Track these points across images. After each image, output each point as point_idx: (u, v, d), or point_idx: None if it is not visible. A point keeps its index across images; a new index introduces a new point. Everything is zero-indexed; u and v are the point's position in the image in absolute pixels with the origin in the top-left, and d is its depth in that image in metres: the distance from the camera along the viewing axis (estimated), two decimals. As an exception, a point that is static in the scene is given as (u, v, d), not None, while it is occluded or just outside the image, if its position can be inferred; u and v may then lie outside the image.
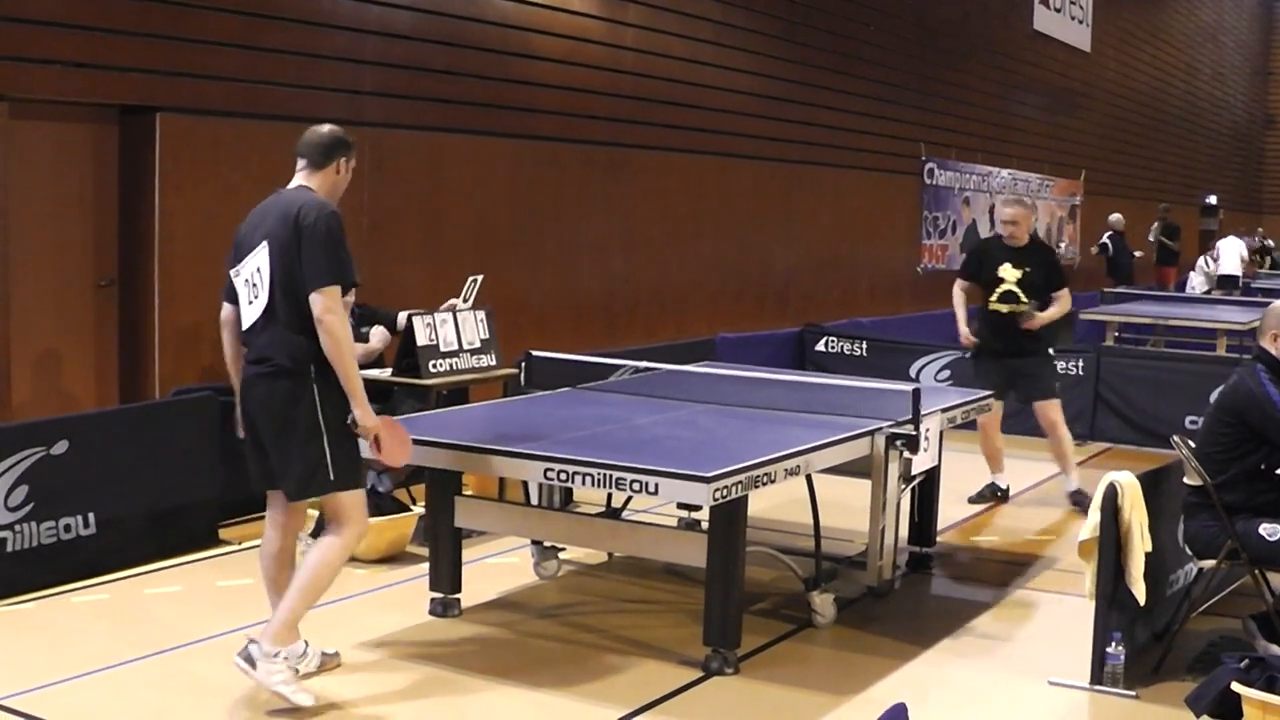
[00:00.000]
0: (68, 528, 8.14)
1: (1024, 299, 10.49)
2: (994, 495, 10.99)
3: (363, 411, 6.24)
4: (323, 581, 6.38)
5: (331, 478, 6.25)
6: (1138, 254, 24.63)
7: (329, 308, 6.11)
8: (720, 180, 16.29)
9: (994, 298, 10.61)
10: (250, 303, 6.37)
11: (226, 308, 6.62)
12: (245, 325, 6.43)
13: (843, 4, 18.81)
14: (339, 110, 11.33)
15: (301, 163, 6.60)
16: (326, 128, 6.74)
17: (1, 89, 9.16)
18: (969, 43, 22.59)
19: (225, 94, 10.50)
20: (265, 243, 6.30)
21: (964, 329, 11.02)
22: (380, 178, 11.73)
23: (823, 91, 18.26)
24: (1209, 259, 26.61)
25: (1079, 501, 10.58)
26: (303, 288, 6.17)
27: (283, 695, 6.17)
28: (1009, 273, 10.56)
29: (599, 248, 14.42)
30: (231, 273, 6.52)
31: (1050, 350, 10.93)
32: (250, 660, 6.21)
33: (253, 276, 6.36)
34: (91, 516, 8.27)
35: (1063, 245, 27.14)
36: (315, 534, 8.44)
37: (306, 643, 6.53)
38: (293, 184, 6.57)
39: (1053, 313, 10.60)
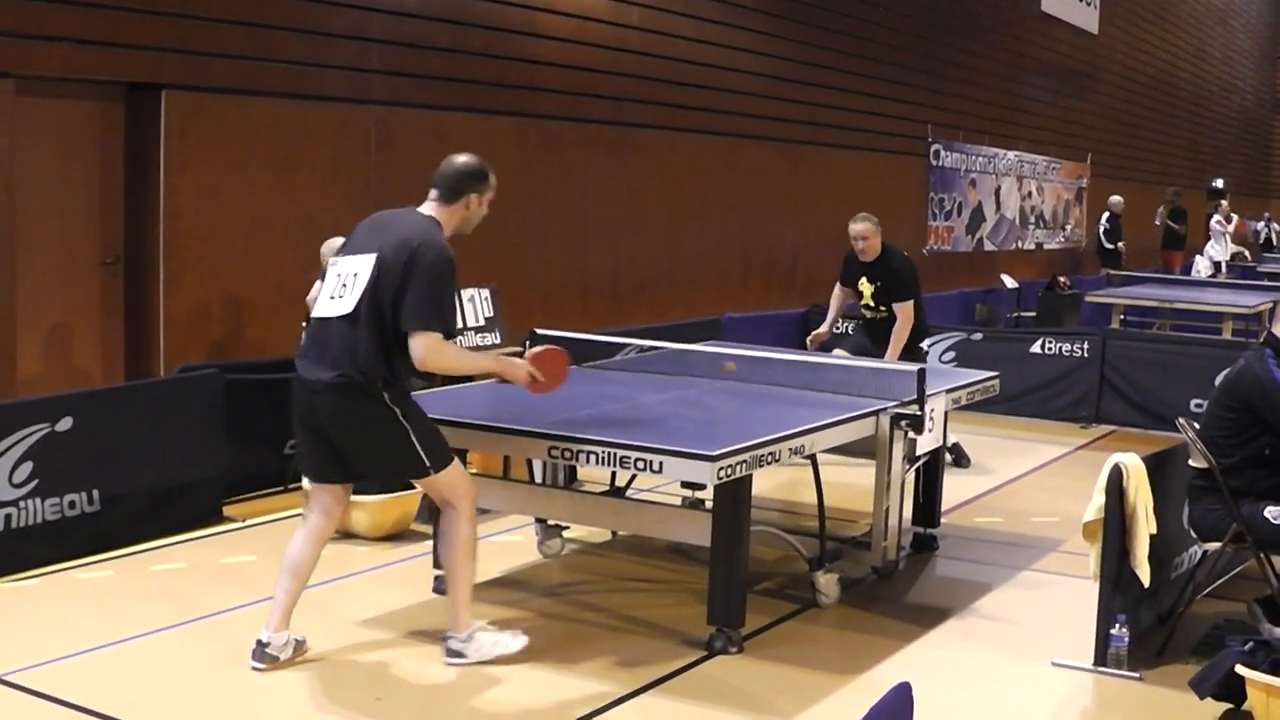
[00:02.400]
0: (72, 504, 8.14)
1: (879, 311, 10.91)
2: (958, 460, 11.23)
3: (505, 370, 6.65)
4: (469, 561, 6.55)
5: (428, 464, 6.36)
6: (1120, 245, 24.55)
7: (431, 348, 6.16)
8: (726, 160, 16.27)
9: (862, 305, 11.12)
10: (333, 298, 6.35)
11: (316, 286, 6.88)
12: (318, 314, 6.43)
13: (850, -16, 18.79)
14: (345, 89, 11.34)
15: (433, 193, 6.55)
16: (461, 159, 6.63)
17: (7, 66, 9.15)
18: (977, 24, 22.55)
19: (231, 72, 10.50)
20: (376, 255, 6.27)
21: (820, 329, 11.43)
22: (386, 156, 11.73)
23: (829, 72, 18.23)
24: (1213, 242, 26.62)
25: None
26: (396, 319, 6.18)
27: (504, 654, 6.58)
28: (865, 287, 10.99)
29: (605, 227, 14.41)
30: (331, 259, 6.56)
31: (921, 346, 11.19)
32: (457, 654, 6.55)
33: (347, 277, 6.33)
34: (96, 493, 8.26)
35: (1069, 228, 27.12)
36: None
37: (294, 637, 6.58)
38: (425, 208, 6.53)
39: (892, 347, 10.69)
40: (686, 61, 15.46)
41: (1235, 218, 27.72)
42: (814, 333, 11.42)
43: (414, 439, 6.31)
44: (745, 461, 6.41)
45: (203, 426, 8.92)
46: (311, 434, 6.46)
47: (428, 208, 6.51)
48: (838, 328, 14.41)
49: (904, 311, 10.79)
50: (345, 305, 6.27)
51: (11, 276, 9.34)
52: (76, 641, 6.69)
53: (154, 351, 10.17)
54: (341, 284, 6.34)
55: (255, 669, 6.42)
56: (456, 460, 6.54)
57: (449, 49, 12.41)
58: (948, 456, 10.49)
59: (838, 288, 11.44)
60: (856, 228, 10.91)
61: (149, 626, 6.94)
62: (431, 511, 7.82)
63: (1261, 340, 7.19)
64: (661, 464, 6.34)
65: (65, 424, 8.08)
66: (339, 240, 9.57)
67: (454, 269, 6.29)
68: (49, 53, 9.40)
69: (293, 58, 10.98)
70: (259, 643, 6.46)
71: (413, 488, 8.81)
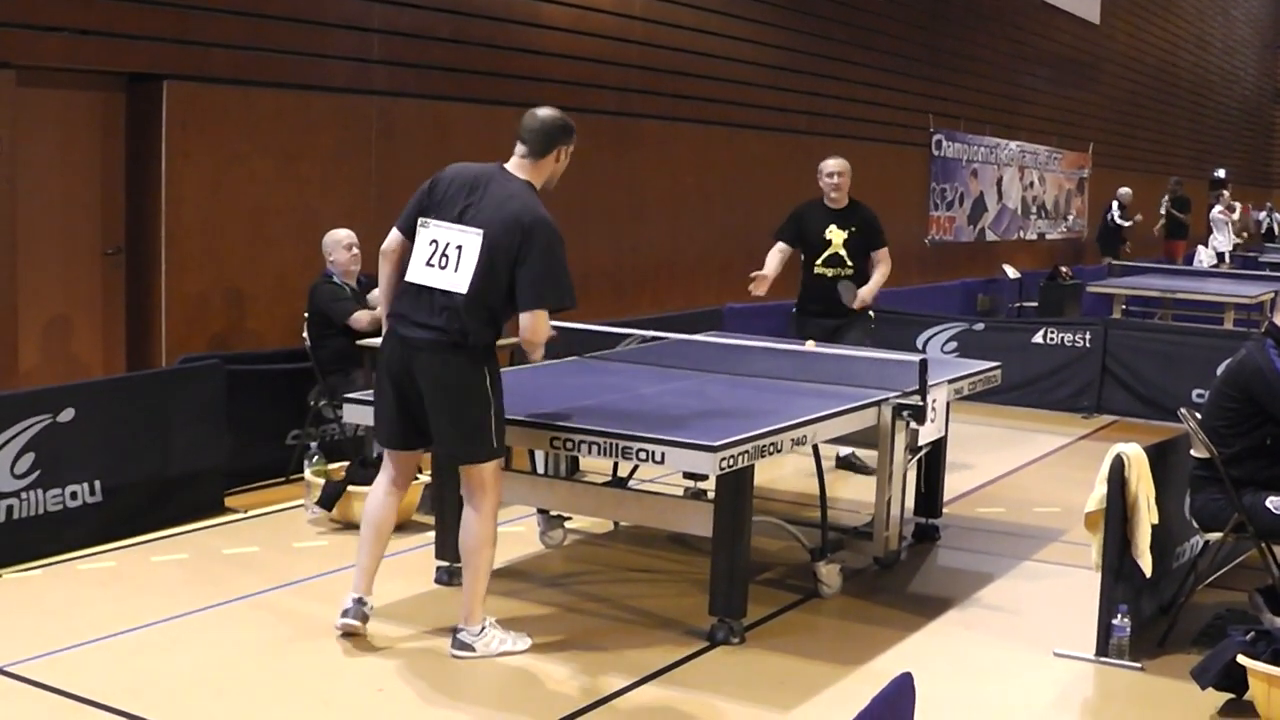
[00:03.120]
0: (74, 495, 8.14)
1: (849, 262, 10.25)
2: (850, 465, 10.58)
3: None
4: (489, 553, 6.61)
5: (494, 445, 6.49)
6: (1138, 217, 24.58)
7: (537, 330, 6.38)
8: (728, 150, 16.26)
9: (819, 262, 10.34)
10: (433, 266, 6.41)
11: (394, 236, 6.67)
12: (420, 281, 6.45)
13: (852, -26, 18.77)
14: (346, 79, 11.33)
15: (521, 149, 6.66)
16: (546, 111, 6.77)
17: (9, 57, 9.14)
18: (978, 14, 22.52)
19: (232, 62, 10.49)
20: (482, 233, 6.35)
21: (762, 287, 10.27)
22: (387, 146, 11.72)
23: (831, 62, 18.22)
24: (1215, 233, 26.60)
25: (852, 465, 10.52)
26: (511, 299, 6.35)
27: (510, 652, 6.60)
28: (835, 235, 10.30)
29: (607, 217, 14.40)
30: (420, 220, 6.53)
31: (870, 311, 10.53)
32: (466, 647, 6.59)
33: (449, 248, 6.40)
34: (98, 484, 8.27)
35: (1070, 218, 27.11)
36: (320, 503, 8.51)
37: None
38: (513, 166, 6.65)
39: (875, 282, 10.30)
40: (689, 52, 15.44)
41: (1239, 205, 27.68)
42: (759, 275, 10.27)
43: (491, 415, 6.43)
44: (747, 452, 6.41)
45: (204, 417, 8.92)
46: (399, 398, 6.53)
47: (517, 166, 6.64)
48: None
49: (885, 258, 10.34)
50: (456, 282, 6.34)
51: (13, 267, 9.34)
52: (79, 633, 6.69)
53: (155, 342, 10.17)
54: (442, 254, 6.40)
55: (344, 624, 6.64)
56: (501, 460, 6.66)
57: (450, 39, 12.40)
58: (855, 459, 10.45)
59: (779, 247, 10.55)
60: (835, 163, 10.37)
61: (151, 618, 6.94)
62: (434, 503, 7.83)
63: (1263, 330, 7.18)
64: (663, 455, 6.35)
65: (67, 415, 8.08)
66: (342, 231, 9.65)
67: (562, 241, 6.45)
68: (50, 43, 9.39)
69: (294, 48, 10.97)
70: (355, 600, 6.68)
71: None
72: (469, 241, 6.35)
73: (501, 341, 9.56)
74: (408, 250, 6.56)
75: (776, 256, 10.52)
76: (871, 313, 10.60)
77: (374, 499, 6.81)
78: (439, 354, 6.35)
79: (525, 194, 6.49)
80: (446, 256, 6.38)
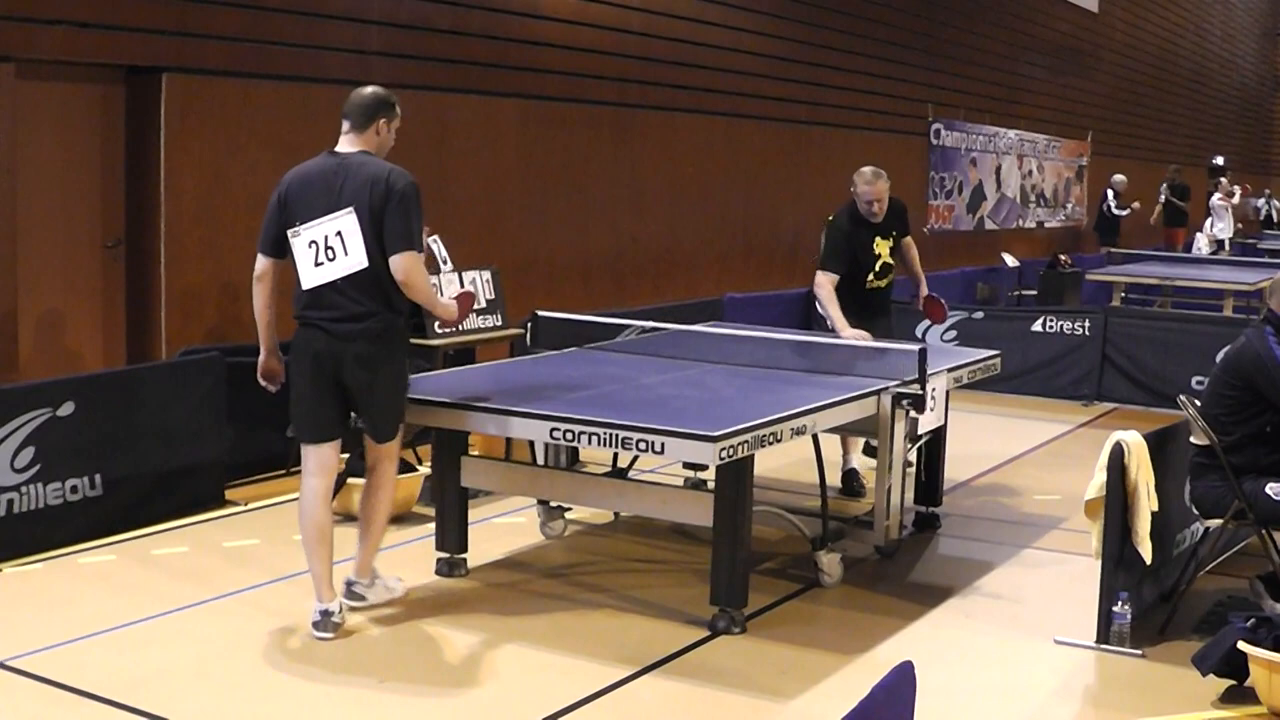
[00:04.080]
0: (74, 489, 8.14)
1: (892, 263, 9.73)
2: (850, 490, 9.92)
3: (447, 309, 7.08)
4: (387, 515, 7.13)
5: (405, 421, 6.91)
6: (1135, 205, 24.60)
7: (412, 267, 6.56)
8: (728, 140, 16.26)
9: (872, 276, 9.58)
10: (324, 263, 6.60)
11: (262, 261, 6.82)
12: (318, 282, 6.63)
13: (850, -36, 18.76)
14: (344, 70, 11.31)
15: (346, 125, 6.86)
16: (369, 89, 6.99)
17: (8, 50, 9.14)
18: (977, 3, 22.52)
19: (231, 54, 10.48)
20: (353, 209, 6.56)
21: (848, 329, 9.21)
22: (386, 138, 11.70)
23: (830, 52, 18.21)
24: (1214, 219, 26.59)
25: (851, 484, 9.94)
26: (396, 249, 6.55)
27: (394, 597, 7.15)
28: (881, 246, 9.63)
29: (606, 208, 14.40)
30: (290, 232, 6.67)
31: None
32: (359, 597, 7.05)
33: (330, 239, 6.58)
34: (98, 477, 8.27)
35: (1069, 206, 27.11)
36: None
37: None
38: (342, 146, 6.82)
39: (921, 270, 10.06)
40: (688, 42, 15.44)
41: (1238, 189, 27.62)
42: (855, 332, 9.12)
43: (404, 389, 6.87)
44: (747, 442, 6.41)
45: (204, 410, 8.92)
46: (325, 389, 6.72)
47: (348, 143, 6.83)
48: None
49: (913, 243, 9.97)
50: (353, 262, 6.56)
51: (13, 260, 9.34)
52: (79, 626, 6.70)
53: (155, 334, 10.17)
54: (326, 248, 6.60)
55: (321, 639, 6.65)
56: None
57: (449, 30, 12.39)
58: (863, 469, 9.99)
59: (832, 282, 9.38)
60: (880, 187, 9.46)
61: (152, 610, 6.95)
62: (434, 494, 7.84)
63: (1261, 317, 7.18)
64: (663, 445, 6.34)
65: (67, 409, 8.08)
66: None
67: (419, 195, 6.72)
68: (49, 36, 9.38)
69: (292, 40, 10.96)
70: (323, 613, 6.71)
71: (411, 467, 8.84)
72: (345, 222, 6.57)
73: (500, 333, 9.60)
74: (278, 271, 6.80)
75: (832, 291, 9.45)
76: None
77: (309, 503, 6.84)
78: (365, 339, 6.60)
79: (371, 159, 6.76)
80: (331, 248, 6.59)
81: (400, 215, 6.56)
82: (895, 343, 8.83)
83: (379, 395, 6.71)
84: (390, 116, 6.93)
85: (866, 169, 9.59)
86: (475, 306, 8.84)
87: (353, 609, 6.96)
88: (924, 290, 10.10)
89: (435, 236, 9.34)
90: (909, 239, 9.97)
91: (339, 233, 6.55)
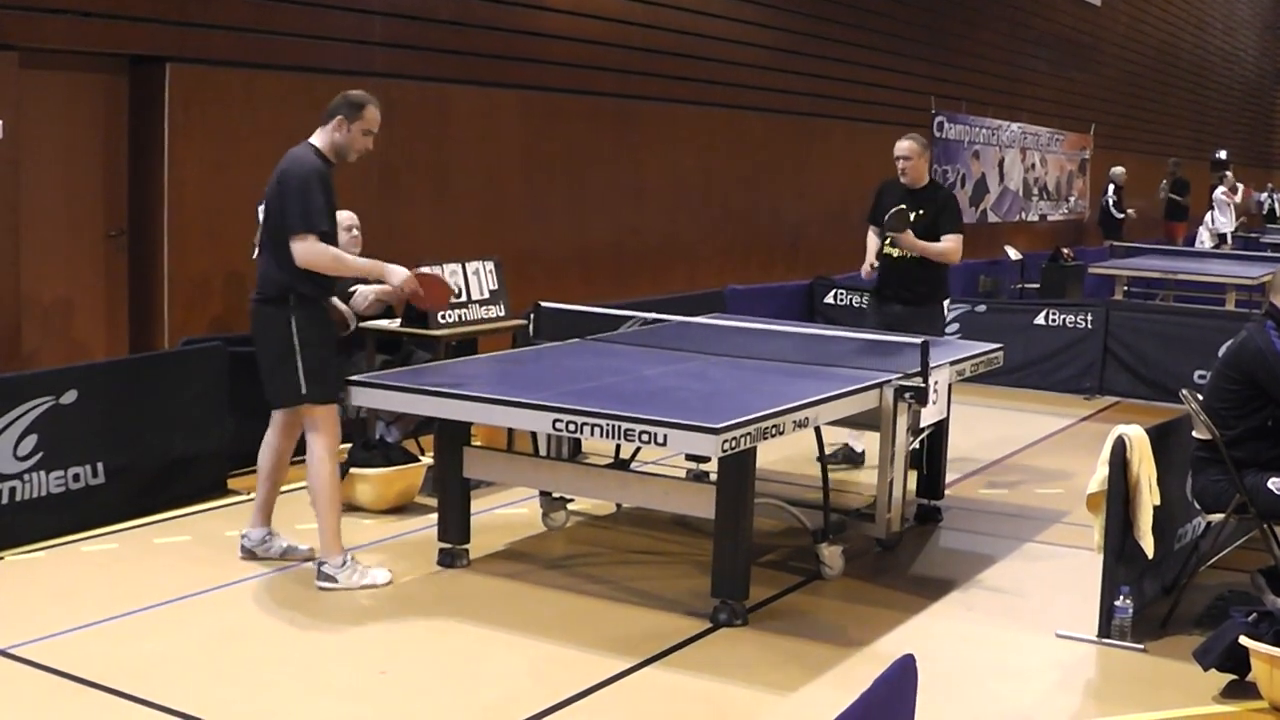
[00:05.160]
0: (76, 477, 8.14)
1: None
2: (848, 459, 10.32)
3: (387, 274, 7.30)
4: (328, 490, 7.28)
5: (303, 391, 7.13)
6: (1130, 212, 24.59)
7: (306, 250, 6.97)
8: (729, 132, 16.26)
9: (888, 241, 9.88)
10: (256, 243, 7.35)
11: None
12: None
13: (853, -44, 18.75)
14: (347, 61, 11.32)
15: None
16: (351, 91, 7.38)
17: (12, 39, 9.14)
18: (979, -3, 22.52)
19: (234, 44, 10.49)
20: (267, 190, 7.21)
21: (867, 265, 10.07)
22: (388, 128, 11.64)
23: (833, 44, 18.20)
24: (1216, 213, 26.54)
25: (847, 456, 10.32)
26: (282, 233, 7.03)
27: (373, 585, 7.24)
28: None
29: (608, 199, 14.40)
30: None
31: (945, 302, 10.28)
32: (329, 578, 7.21)
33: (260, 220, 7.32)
34: (100, 466, 8.27)
35: (1072, 199, 27.09)
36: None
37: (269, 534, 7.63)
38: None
39: (932, 247, 9.77)
40: (690, 34, 15.43)
41: (1241, 187, 27.61)
42: (866, 267, 10.07)
43: (300, 363, 7.10)
44: (749, 434, 6.41)
45: (206, 399, 8.92)
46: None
47: (315, 132, 7.30)
48: (857, 304, 14.27)
49: (950, 239, 9.85)
50: (257, 240, 7.37)
51: (16, 250, 9.34)
52: (82, 615, 6.70)
53: (158, 324, 10.18)
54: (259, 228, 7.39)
55: (320, 587, 7.18)
56: (336, 408, 7.30)
57: (452, 21, 12.39)
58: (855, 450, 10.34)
59: (871, 232, 10.18)
60: (903, 145, 9.92)
61: (154, 600, 6.95)
62: (436, 485, 7.84)
63: (1263, 312, 7.18)
64: (666, 437, 6.34)
65: (70, 397, 8.08)
66: (343, 213, 9.61)
67: (320, 178, 7.05)
68: (53, 25, 9.39)
69: (295, 30, 10.97)
70: (242, 535, 7.62)
71: (413, 458, 8.84)
72: (260, 212, 7.34)
73: (503, 324, 9.58)
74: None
75: (874, 241, 10.16)
76: (947, 302, 10.35)
77: (263, 446, 7.57)
78: (256, 311, 7.20)
79: (296, 149, 7.21)
80: (259, 228, 7.40)
81: (290, 199, 6.99)
82: (898, 335, 8.85)
83: (262, 363, 7.21)
84: (351, 116, 7.23)
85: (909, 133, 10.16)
86: (452, 296, 8.94)
87: (322, 589, 7.18)
88: (910, 239, 9.77)
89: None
90: (946, 237, 9.83)
91: (259, 214, 7.36)
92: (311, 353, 7.10)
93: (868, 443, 9.72)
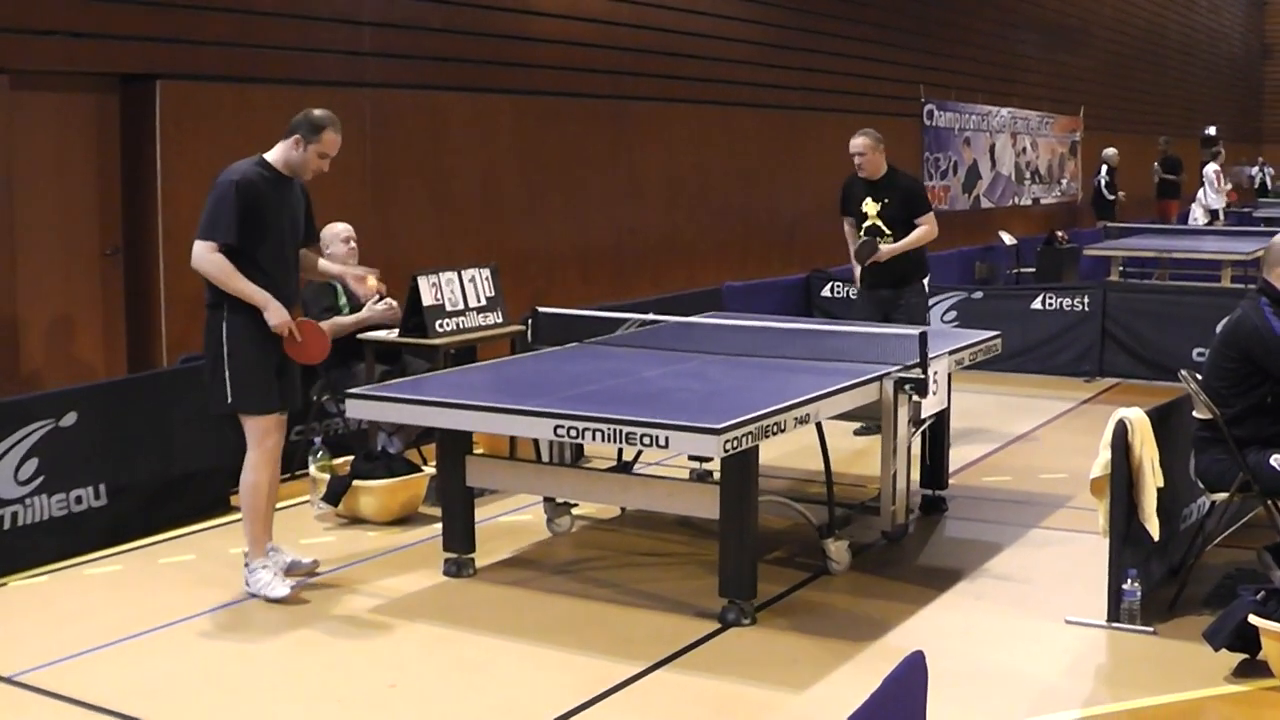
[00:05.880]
0: (79, 499, 8.14)
1: (887, 231, 10.46)
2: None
3: (270, 309, 7.09)
4: (249, 498, 7.33)
5: (229, 399, 7.15)
6: (1121, 195, 24.60)
7: (197, 254, 7.04)
8: (722, 128, 16.26)
9: (862, 232, 10.56)
10: None
11: None
12: None
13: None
14: (339, 72, 11.32)
15: None
16: (315, 111, 7.36)
17: (3, 61, 9.19)
18: (966, -18, 22.53)
19: (224, 59, 10.49)
20: None
21: (857, 269, 10.81)
22: (383, 137, 11.72)
23: (820, 37, 18.21)
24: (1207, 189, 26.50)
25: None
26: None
27: (267, 596, 7.20)
28: (870, 207, 10.54)
29: (605, 199, 14.41)
30: None
31: (924, 280, 10.83)
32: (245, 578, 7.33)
33: None
34: (102, 487, 8.27)
35: (1064, 182, 27.10)
36: (326, 498, 8.50)
37: (268, 566, 7.38)
38: None
39: (907, 241, 10.49)
40: (679, 32, 15.44)
41: (1223, 177, 27.46)
42: (856, 275, 10.82)
43: (227, 371, 7.11)
44: (751, 433, 6.40)
45: (207, 416, 8.86)
46: None
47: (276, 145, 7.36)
48: (838, 292, 14.40)
49: (924, 222, 10.50)
50: None
51: (12, 270, 9.35)
52: (88, 639, 6.69)
53: (156, 341, 10.19)
54: None
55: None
56: (272, 418, 7.26)
57: (441, 29, 12.39)
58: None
59: (846, 223, 10.87)
60: (856, 142, 10.51)
61: (160, 621, 6.95)
62: (439, 494, 7.83)
63: (1257, 288, 7.17)
64: (667, 439, 6.34)
65: (69, 419, 8.07)
66: (340, 225, 9.66)
67: (237, 188, 7.03)
68: (44, 46, 9.40)
69: (285, 43, 10.97)
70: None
71: (416, 468, 8.83)
72: None
73: (501, 331, 9.57)
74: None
75: (849, 231, 10.86)
76: (926, 281, 10.86)
77: None
78: (205, 322, 7.22)
79: (233, 164, 7.23)
80: None
81: (206, 207, 7.06)
82: (897, 327, 8.85)
83: (205, 365, 7.24)
84: (308, 138, 7.23)
85: (863, 129, 10.56)
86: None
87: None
88: (882, 251, 10.43)
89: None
90: (920, 219, 10.51)
91: None
92: (240, 362, 7.10)
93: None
